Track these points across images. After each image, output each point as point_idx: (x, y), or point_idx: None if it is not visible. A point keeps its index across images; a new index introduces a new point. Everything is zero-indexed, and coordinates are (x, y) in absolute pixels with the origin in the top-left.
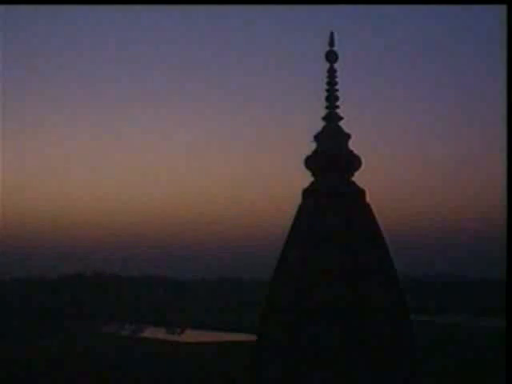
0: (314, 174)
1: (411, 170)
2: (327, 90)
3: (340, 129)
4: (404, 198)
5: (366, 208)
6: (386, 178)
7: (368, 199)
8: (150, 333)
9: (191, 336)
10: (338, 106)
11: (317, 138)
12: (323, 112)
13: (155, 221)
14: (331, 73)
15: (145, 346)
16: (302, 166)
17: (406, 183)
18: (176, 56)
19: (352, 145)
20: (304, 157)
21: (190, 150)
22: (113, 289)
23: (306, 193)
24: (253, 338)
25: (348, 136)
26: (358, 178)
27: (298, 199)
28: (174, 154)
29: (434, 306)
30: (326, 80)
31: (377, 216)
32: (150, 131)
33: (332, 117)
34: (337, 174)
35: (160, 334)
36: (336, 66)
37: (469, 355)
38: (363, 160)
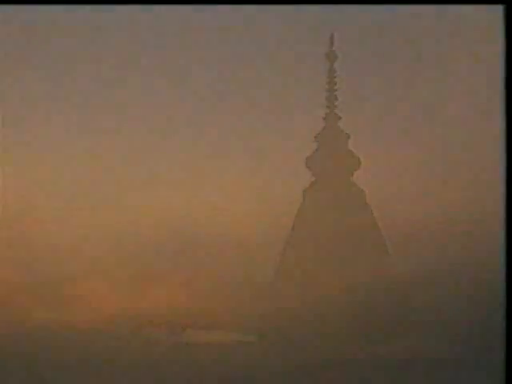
0: (314, 174)
1: (411, 170)
2: (327, 90)
3: (340, 129)
4: (404, 198)
5: (366, 208)
6: (386, 178)
7: (368, 199)
8: (150, 333)
9: (191, 336)
10: (337, 106)
11: (317, 138)
12: (323, 112)
13: (155, 221)
14: (331, 73)
15: (145, 346)
16: (302, 166)
17: (406, 183)
18: (175, 56)
19: (352, 145)
20: (304, 157)
21: (189, 150)
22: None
23: (306, 193)
24: (253, 338)
25: (348, 136)
26: (358, 178)
27: (298, 199)
28: (174, 154)
29: (434, 305)
30: (326, 80)
31: (377, 216)
32: (150, 131)
33: (332, 117)
34: (337, 174)
35: (160, 334)
36: (336, 65)
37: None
38: (363, 160)
